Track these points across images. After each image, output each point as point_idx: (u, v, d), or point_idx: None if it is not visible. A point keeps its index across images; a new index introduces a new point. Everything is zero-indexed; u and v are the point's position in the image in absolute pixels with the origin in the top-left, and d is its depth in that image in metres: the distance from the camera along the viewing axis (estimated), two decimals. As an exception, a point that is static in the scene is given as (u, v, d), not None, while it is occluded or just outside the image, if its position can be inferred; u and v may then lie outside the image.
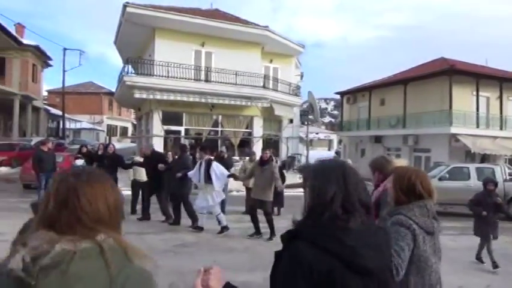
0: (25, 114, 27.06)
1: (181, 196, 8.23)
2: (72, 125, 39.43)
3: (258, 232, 7.50)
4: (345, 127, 27.96)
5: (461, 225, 9.98)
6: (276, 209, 10.79)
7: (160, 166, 8.40)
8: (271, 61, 21.68)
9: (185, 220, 8.12)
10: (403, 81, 22.09)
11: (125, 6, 16.26)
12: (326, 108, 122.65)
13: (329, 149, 50.67)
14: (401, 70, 26.20)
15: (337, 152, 35.23)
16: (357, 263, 1.20)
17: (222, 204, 10.04)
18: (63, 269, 0.95)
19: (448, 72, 19.04)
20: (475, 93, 19.86)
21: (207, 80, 18.19)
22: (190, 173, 7.94)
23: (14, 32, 24.84)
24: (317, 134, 51.14)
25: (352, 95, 27.77)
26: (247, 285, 4.62)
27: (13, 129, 24.78)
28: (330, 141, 56.24)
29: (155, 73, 16.91)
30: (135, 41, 19.68)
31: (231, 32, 18.38)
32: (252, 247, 6.86)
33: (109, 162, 8.89)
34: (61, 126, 31.79)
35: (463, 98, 19.37)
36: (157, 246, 6.54)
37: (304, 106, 25.87)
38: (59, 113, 32.05)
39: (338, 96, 31.02)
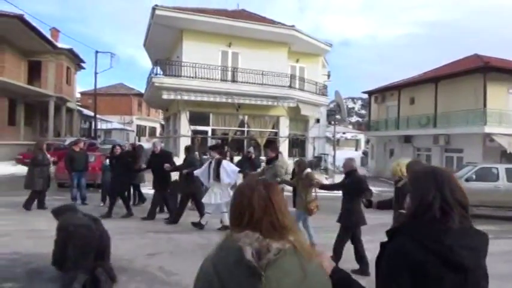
0: (60, 116, 28.13)
1: (191, 194, 8.44)
2: (104, 126, 40.61)
3: None
4: (373, 127, 27.43)
5: (495, 228, 9.60)
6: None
7: (167, 166, 8.55)
8: (297, 61, 21.59)
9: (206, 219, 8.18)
10: (434, 80, 21.44)
11: (154, 8, 16.63)
12: (353, 108, 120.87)
13: (356, 149, 49.89)
14: (432, 68, 25.48)
15: (364, 152, 34.62)
16: (453, 260, 1.36)
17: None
18: (279, 264, 1.19)
19: (482, 70, 18.35)
20: (511, 90, 19.08)
21: (233, 80, 18.32)
22: (197, 172, 8.03)
23: (49, 36, 25.85)
24: (344, 133, 50.47)
25: (380, 94, 27.23)
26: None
27: (48, 130, 25.81)
28: (357, 141, 55.39)
29: (183, 74, 17.19)
30: (163, 43, 20.08)
31: (257, 32, 18.43)
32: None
33: (117, 163, 9.08)
34: (93, 126, 32.80)
35: (499, 96, 18.60)
36: (185, 246, 6.64)
37: (331, 106, 25.57)
38: (91, 114, 33.09)
39: (366, 96, 30.50)
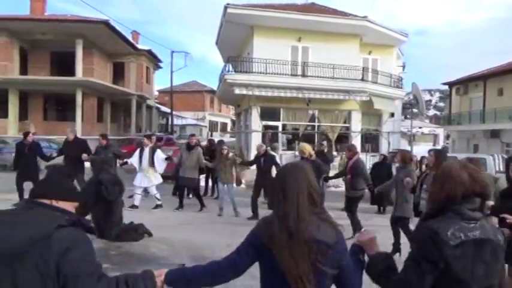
0: (140, 112, 30.29)
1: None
2: (179, 121, 42.83)
3: (180, 206, 8.93)
4: (454, 120, 25.53)
5: None
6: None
7: (84, 156, 8.73)
8: (370, 52, 20.77)
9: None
10: (527, 68, 19.38)
11: (225, 7, 17.09)
12: (430, 101, 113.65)
13: (434, 145, 46.76)
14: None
15: (444, 148, 32.45)
16: None
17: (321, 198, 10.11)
18: None
19: None
20: None
21: (303, 75, 18.21)
22: (131, 159, 9.12)
23: (131, 39, 27.88)
24: (420, 128, 47.69)
25: (462, 85, 25.25)
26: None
27: (131, 126, 27.94)
28: (436, 136, 51.96)
29: (254, 70, 17.47)
30: (234, 40, 20.57)
31: (328, 25, 18.07)
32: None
33: (28, 152, 8.86)
34: (170, 122, 34.77)
35: None
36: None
37: (406, 99, 24.30)
38: (168, 110, 35.09)
39: (445, 87, 28.58)
